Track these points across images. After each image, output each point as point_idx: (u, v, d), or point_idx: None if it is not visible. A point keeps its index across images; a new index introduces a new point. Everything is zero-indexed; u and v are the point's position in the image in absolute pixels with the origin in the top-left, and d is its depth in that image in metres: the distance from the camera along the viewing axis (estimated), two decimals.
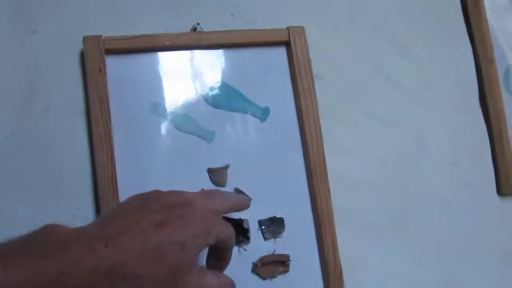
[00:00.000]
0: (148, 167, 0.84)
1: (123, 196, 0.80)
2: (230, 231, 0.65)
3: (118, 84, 0.85)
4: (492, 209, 1.17)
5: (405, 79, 1.11)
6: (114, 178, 0.80)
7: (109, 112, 0.82)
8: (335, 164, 0.97)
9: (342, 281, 0.92)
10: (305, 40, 0.97)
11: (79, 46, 0.86)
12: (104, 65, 0.83)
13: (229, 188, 0.88)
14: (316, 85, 0.96)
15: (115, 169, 0.80)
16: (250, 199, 0.86)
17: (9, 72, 0.84)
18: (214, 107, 0.90)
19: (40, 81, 0.84)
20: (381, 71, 1.09)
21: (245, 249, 0.87)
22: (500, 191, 1.19)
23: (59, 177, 0.82)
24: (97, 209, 0.81)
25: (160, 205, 0.60)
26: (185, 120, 0.88)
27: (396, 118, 1.08)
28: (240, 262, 0.87)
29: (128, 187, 0.81)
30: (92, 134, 0.82)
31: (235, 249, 0.85)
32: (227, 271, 0.72)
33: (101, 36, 0.85)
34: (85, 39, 0.84)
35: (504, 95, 1.23)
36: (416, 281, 1.03)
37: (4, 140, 0.81)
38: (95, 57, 0.83)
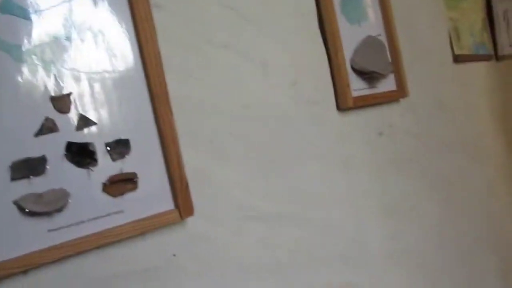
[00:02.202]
0: None
1: None
2: None
3: None
4: (333, 122, 1.27)
5: (246, 6, 1.15)
6: None
7: None
8: (178, 88, 1.00)
9: (189, 194, 0.97)
10: None
11: None
12: None
13: (73, 114, 0.88)
14: (155, 14, 0.98)
15: None
16: (96, 123, 0.89)
17: None
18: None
19: None
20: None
21: (92, 170, 0.90)
22: (338, 107, 1.29)
23: None
24: None
25: None
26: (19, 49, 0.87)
27: (238, 43, 1.12)
28: (90, 183, 0.89)
29: None
30: None
31: (84, 170, 0.88)
32: None
33: None
34: None
35: (340, 19, 1.31)
36: (259, 187, 1.11)
37: None
38: None
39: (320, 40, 1.27)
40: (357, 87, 1.33)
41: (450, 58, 1.85)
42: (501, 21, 2.34)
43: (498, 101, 2.14)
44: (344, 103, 1.28)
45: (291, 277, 1.14)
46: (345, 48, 1.30)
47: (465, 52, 1.97)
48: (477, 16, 2.17)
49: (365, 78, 1.34)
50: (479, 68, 2.05)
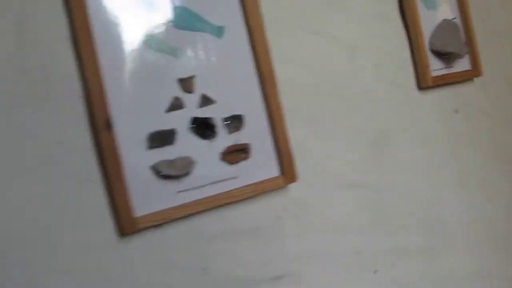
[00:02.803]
0: (131, 77, 0.97)
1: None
2: None
3: (100, 16, 0.96)
4: (413, 100, 1.37)
5: None
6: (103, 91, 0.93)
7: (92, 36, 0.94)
8: (284, 71, 1.13)
9: (293, 163, 1.11)
10: None
11: None
12: None
13: (196, 94, 1.03)
14: (261, 4, 1.11)
15: (103, 85, 0.93)
16: (215, 101, 1.03)
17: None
18: (177, 28, 1.03)
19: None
20: None
21: (213, 141, 1.03)
22: (419, 86, 1.39)
23: None
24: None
25: None
26: (154, 39, 1.01)
27: (328, 30, 1.24)
28: (210, 152, 1.03)
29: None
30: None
31: (205, 141, 1.03)
32: None
33: None
34: None
35: (419, 4, 1.40)
36: (351, 158, 1.24)
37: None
38: None
39: (401, 25, 1.37)
40: (436, 67, 1.42)
41: None
42: None
43: None
44: (424, 82, 1.37)
45: (374, 238, 1.26)
46: (424, 32, 1.39)
47: None
48: None
49: (442, 59, 1.43)
50: None
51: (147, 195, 0.97)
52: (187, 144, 1.01)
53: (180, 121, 1.01)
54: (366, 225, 1.25)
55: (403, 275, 1.30)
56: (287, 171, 1.11)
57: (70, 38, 0.93)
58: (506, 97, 1.69)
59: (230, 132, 1.06)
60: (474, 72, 1.54)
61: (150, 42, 0.99)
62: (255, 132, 1.09)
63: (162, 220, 0.98)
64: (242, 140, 1.07)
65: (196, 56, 1.04)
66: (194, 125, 1.02)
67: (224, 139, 1.05)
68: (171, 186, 1.00)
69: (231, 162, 1.06)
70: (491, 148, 1.60)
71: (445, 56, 1.43)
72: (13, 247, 0.85)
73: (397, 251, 1.30)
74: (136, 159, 0.96)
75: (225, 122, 1.06)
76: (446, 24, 1.47)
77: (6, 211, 0.85)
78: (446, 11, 1.51)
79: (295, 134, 1.12)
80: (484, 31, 1.64)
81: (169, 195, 0.99)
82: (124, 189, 0.93)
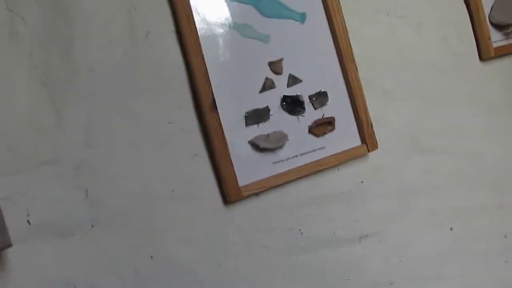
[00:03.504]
0: (229, 63, 1.08)
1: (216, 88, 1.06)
2: None
3: (200, 9, 1.07)
4: (476, 71, 1.44)
5: None
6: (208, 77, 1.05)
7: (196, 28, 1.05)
8: (360, 49, 1.23)
9: (373, 132, 1.22)
10: None
11: None
12: None
13: (285, 75, 1.13)
14: None
15: (207, 71, 1.05)
16: (301, 80, 1.14)
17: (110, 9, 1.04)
18: (265, 16, 1.14)
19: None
20: None
21: (302, 116, 1.15)
22: (481, 57, 1.46)
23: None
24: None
25: None
26: (246, 28, 1.12)
27: (396, 9, 1.33)
28: (300, 126, 1.14)
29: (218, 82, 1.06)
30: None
31: (295, 117, 1.14)
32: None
33: None
34: None
35: None
36: (423, 125, 1.33)
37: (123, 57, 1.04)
38: None
39: (462, 0, 1.44)
40: (496, 38, 1.47)
41: None
42: None
43: None
44: (486, 53, 1.44)
45: (448, 198, 1.36)
46: (484, 5, 1.46)
47: None
48: None
49: (503, 31, 1.49)
50: None
51: (248, 167, 1.08)
52: (280, 120, 1.13)
53: (272, 100, 1.12)
54: (441, 186, 1.34)
55: (477, 231, 1.39)
56: (368, 140, 1.21)
57: (175, 31, 1.05)
58: None
59: (316, 107, 1.17)
60: None
61: (243, 30, 1.11)
62: (338, 106, 1.19)
63: (261, 188, 1.09)
64: (327, 114, 1.17)
65: (283, 40, 1.14)
66: (284, 103, 1.13)
67: (311, 114, 1.16)
68: (268, 158, 1.11)
69: (318, 134, 1.16)
70: None
71: (505, 28, 1.49)
72: (137, 217, 0.98)
73: (470, 209, 1.38)
74: (237, 135, 1.08)
75: (312, 99, 1.16)
76: None
77: (133, 187, 0.98)
78: None
79: (373, 106, 1.22)
80: None
81: (266, 166, 1.11)
82: (228, 162, 1.05)
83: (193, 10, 1.05)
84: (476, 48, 1.45)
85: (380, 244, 1.23)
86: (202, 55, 1.04)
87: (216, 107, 1.04)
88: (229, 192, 1.05)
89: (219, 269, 1.05)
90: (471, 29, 1.45)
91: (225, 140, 1.05)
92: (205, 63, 1.04)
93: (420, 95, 1.33)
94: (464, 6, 1.44)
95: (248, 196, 1.08)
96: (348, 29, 1.20)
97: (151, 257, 0.98)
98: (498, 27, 1.48)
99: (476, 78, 1.43)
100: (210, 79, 1.05)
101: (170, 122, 1.03)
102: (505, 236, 1.44)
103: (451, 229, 1.34)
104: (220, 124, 1.05)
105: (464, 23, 1.44)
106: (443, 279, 1.32)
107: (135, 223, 0.97)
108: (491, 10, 1.48)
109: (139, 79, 1.01)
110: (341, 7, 1.20)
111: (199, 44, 1.04)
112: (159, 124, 1.01)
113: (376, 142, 1.22)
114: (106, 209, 0.94)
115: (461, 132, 1.39)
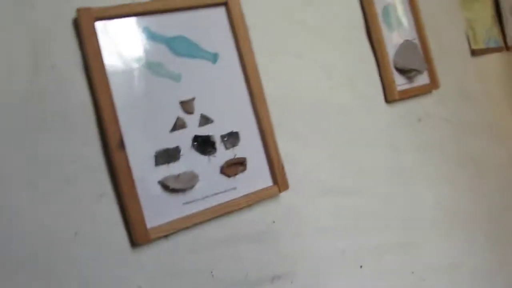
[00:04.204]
0: (139, 101, 1.05)
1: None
2: None
3: (109, 46, 1.04)
4: (382, 112, 1.50)
5: (313, 21, 1.40)
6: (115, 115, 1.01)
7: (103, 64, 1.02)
8: (272, 91, 1.23)
9: (285, 173, 1.21)
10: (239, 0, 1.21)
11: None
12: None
13: (196, 114, 1.11)
14: (250, 33, 1.21)
15: (115, 109, 1.01)
16: (213, 120, 1.12)
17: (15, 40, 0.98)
18: (177, 55, 1.12)
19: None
20: (295, 21, 1.36)
21: (213, 157, 1.12)
22: (386, 100, 1.52)
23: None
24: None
25: None
26: (157, 66, 1.09)
27: (308, 53, 1.36)
28: (211, 166, 1.12)
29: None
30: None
31: (206, 157, 1.11)
32: None
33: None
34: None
35: (384, 27, 1.54)
36: (332, 167, 1.35)
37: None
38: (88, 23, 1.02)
39: (369, 46, 1.50)
40: (400, 82, 1.54)
41: (468, 53, 2.05)
42: (508, 15, 2.53)
43: (509, 86, 2.34)
44: (391, 96, 1.50)
45: (358, 237, 1.37)
46: (388, 52, 1.52)
47: (480, 46, 2.17)
48: (488, 13, 2.36)
49: (405, 75, 1.56)
50: (493, 59, 2.24)
51: (157, 208, 1.05)
52: (190, 160, 1.10)
53: (183, 139, 1.10)
54: (350, 226, 1.35)
55: (386, 268, 1.41)
56: (280, 181, 1.20)
57: (82, 65, 1.01)
58: (460, 105, 1.84)
59: (228, 147, 1.15)
60: (433, 85, 1.68)
61: (154, 68, 1.08)
62: (250, 146, 1.18)
63: (171, 230, 1.05)
64: (239, 154, 1.16)
65: (195, 80, 1.13)
66: (195, 143, 1.11)
67: (223, 154, 1.14)
68: (178, 198, 1.08)
69: (230, 174, 1.14)
70: (452, 151, 1.74)
71: (408, 73, 1.57)
72: (37, 260, 0.91)
73: (379, 247, 1.41)
74: (146, 175, 1.04)
75: (223, 139, 1.15)
76: (407, 44, 1.61)
77: (31, 226, 0.91)
78: (406, 32, 1.65)
79: (284, 147, 1.22)
80: (438, 49, 1.78)
81: (176, 207, 1.07)
82: (136, 203, 1.01)
83: (102, 45, 1.02)
84: (382, 91, 1.50)
85: (292, 285, 1.21)
86: (110, 92, 1.01)
87: (124, 146, 1.00)
88: (137, 234, 1.00)
89: None
90: (377, 74, 1.50)
91: (133, 180, 1.01)
92: (113, 100, 1.01)
93: (329, 137, 1.35)
94: (371, 51, 1.50)
95: (157, 239, 1.03)
96: (260, 70, 1.21)
97: None
98: (402, 71, 1.56)
99: (382, 120, 1.48)
100: (119, 117, 1.01)
101: (74, 161, 0.97)
102: (413, 273, 1.47)
103: (360, 267, 1.36)
104: (128, 164, 1.01)
105: (371, 68, 1.49)
106: None
107: (33, 267, 0.90)
108: (395, 55, 1.55)
109: (43, 115, 0.96)
110: (252, 48, 1.20)
111: (107, 80, 1.01)
112: (63, 162, 0.96)
113: (287, 182, 1.21)
114: (1, 253, 0.87)
115: (368, 173, 1.42)
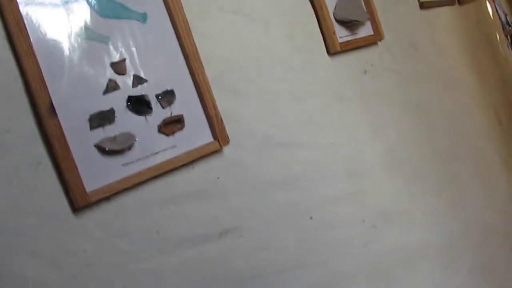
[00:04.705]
0: (67, 66, 1.03)
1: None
2: None
3: (31, 13, 1.02)
4: (325, 65, 1.50)
5: None
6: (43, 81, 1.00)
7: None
8: (207, 48, 1.23)
9: (224, 127, 1.22)
10: None
11: None
12: None
13: (129, 75, 1.11)
14: None
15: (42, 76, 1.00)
16: (147, 80, 1.12)
17: None
18: (104, 17, 1.10)
19: None
20: None
21: (150, 116, 1.12)
22: (328, 52, 1.52)
23: None
24: None
25: None
26: (84, 30, 1.08)
27: (243, 9, 1.35)
28: (148, 126, 1.12)
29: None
30: None
31: (142, 117, 1.11)
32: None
33: None
34: None
35: None
36: (276, 120, 1.36)
37: None
38: None
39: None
40: (342, 34, 1.55)
41: (417, 5, 2.06)
42: None
43: (463, 38, 2.36)
44: (333, 48, 1.51)
45: (306, 189, 1.39)
46: (328, 4, 1.52)
47: None
48: None
49: (347, 27, 1.57)
50: (444, 12, 2.27)
51: (95, 171, 1.04)
52: (126, 121, 1.10)
53: (117, 101, 1.09)
54: (297, 178, 1.36)
55: (336, 218, 1.43)
56: (220, 136, 1.21)
57: (5, 36, 0.99)
58: (408, 56, 1.86)
59: (164, 106, 1.15)
60: (377, 36, 1.69)
61: (81, 32, 1.07)
62: (187, 104, 1.18)
63: (111, 191, 1.05)
64: (176, 112, 1.16)
65: (125, 41, 1.12)
66: (130, 103, 1.10)
67: (159, 113, 1.14)
68: (116, 160, 1.08)
69: (168, 133, 1.14)
70: (401, 101, 1.76)
71: (349, 24, 1.57)
72: None
73: (328, 198, 1.43)
74: (81, 139, 1.03)
75: (158, 98, 1.14)
76: None
77: None
78: None
79: (223, 102, 1.23)
80: (384, 1, 1.79)
81: (115, 169, 1.07)
82: (73, 168, 1.01)
83: (24, 14, 1.00)
84: (323, 44, 1.51)
85: (241, 239, 1.23)
86: (36, 60, 0.99)
87: (55, 111, 0.99)
88: (76, 198, 1.00)
89: (73, 280, 0.99)
90: (317, 27, 1.50)
91: (67, 145, 1.00)
92: (39, 67, 0.99)
93: (270, 91, 1.35)
94: (309, 5, 1.50)
95: (98, 201, 1.04)
96: (193, 28, 1.20)
97: None
98: (343, 23, 1.56)
99: (325, 72, 1.49)
100: (47, 84, 1.00)
101: (8, 131, 0.96)
102: (363, 221, 1.50)
103: (310, 218, 1.38)
104: (61, 129, 1.00)
105: (310, 21, 1.49)
106: (305, 267, 1.34)
107: None
108: (335, 7, 1.55)
109: None
110: (182, 6, 1.19)
111: (31, 47, 0.99)
112: None
113: (228, 137, 1.22)
114: None
115: (313, 125, 1.43)
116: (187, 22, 1.20)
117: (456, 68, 2.19)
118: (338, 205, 1.44)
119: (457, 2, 2.45)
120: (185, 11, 1.20)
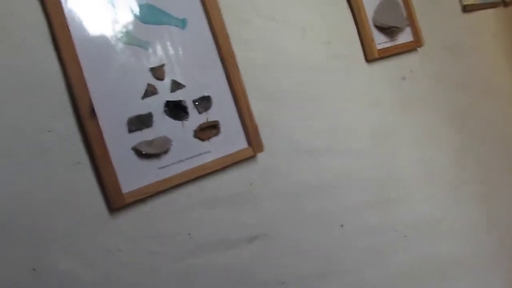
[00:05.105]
0: (108, 70, 1.07)
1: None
2: None
3: (75, 16, 1.05)
4: (362, 72, 1.50)
5: None
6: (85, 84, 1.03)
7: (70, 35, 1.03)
8: (244, 54, 1.25)
9: (259, 134, 1.23)
10: None
11: None
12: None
13: (167, 80, 1.13)
14: None
15: (84, 78, 1.03)
16: (184, 85, 1.14)
17: None
18: (145, 23, 1.13)
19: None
20: None
21: (186, 121, 1.14)
22: (366, 59, 1.52)
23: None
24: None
25: None
26: (125, 35, 1.11)
27: (281, 15, 1.36)
28: (184, 131, 1.14)
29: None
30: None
31: (179, 122, 1.14)
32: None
33: None
34: None
35: None
36: (309, 126, 1.36)
37: None
38: None
39: (346, 5, 1.50)
40: (380, 41, 1.54)
41: (459, 8, 2.03)
42: None
43: (507, 42, 2.30)
44: (370, 55, 1.50)
45: (337, 197, 1.39)
46: (367, 9, 1.52)
47: (472, 2, 2.14)
48: None
49: (386, 33, 1.56)
50: (488, 15, 2.21)
51: (132, 173, 1.07)
52: (163, 125, 1.12)
53: (155, 105, 1.12)
54: (329, 185, 1.37)
55: (367, 226, 1.43)
56: (254, 142, 1.22)
57: (50, 38, 1.02)
58: (448, 62, 1.83)
59: (200, 112, 1.17)
60: (416, 43, 1.68)
61: (122, 37, 1.09)
62: (223, 110, 1.20)
63: (147, 194, 1.08)
64: (212, 118, 1.18)
65: (164, 46, 1.14)
66: (167, 108, 1.13)
67: (195, 118, 1.16)
68: (152, 163, 1.10)
69: (204, 138, 1.16)
70: (439, 108, 1.74)
71: (388, 30, 1.56)
72: (19, 229, 0.94)
73: (360, 206, 1.43)
74: (119, 142, 1.06)
75: (195, 103, 1.16)
76: (387, 1, 1.60)
77: (12, 197, 0.94)
78: None
79: (258, 109, 1.24)
80: (423, 5, 1.77)
81: (151, 172, 1.10)
82: (111, 169, 1.04)
83: (68, 17, 1.03)
84: (361, 50, 1.50)
85: (271, 244, 1.24)
86: (78, 62, 1.03)
87: (95, 114, 1.02)
88: (113, 199, 1.03)
89: (106, 278, 1.02)
90: (356, 33, 1.50)
91: (106, 147, 1.03)
92: (81, 70, 1.03)
93: (306, 98, 1.36)
94: (348, 10, 1.50)
95: (134, 203, 1.06)
96: (231, 34, 1.22)
97: (34, 269, 0.94)
98: (381, 29, 1.55)
99: (362, 79, 1.49)
100: (88, 86, 1.03)
101: (49, 131, 1.00)
102: (395, 231, 1.50)
103: (341, 226, 1.38)
104: (100, 131, 1.03)
105: (349, 27, 1.49)
106: (335, 275, 1.35)
107: (14, 235, 0.93)
108: (374, 13, 1.54)
109: (15, 88, 0.97)
110: (221, 12, 1.21)
111: (75, 50, 1.02)
112: (38, 133, 0.98)
113: (262, 144, 1.24)
114: None
115: (348, 132, 1.43)
116: (225, 28, 1.21)
117: (498, 73, 2.14)
118: (369, 214, 1.44)
119: (502, 4, 2.39)
120: (223, 17, 1.22)
